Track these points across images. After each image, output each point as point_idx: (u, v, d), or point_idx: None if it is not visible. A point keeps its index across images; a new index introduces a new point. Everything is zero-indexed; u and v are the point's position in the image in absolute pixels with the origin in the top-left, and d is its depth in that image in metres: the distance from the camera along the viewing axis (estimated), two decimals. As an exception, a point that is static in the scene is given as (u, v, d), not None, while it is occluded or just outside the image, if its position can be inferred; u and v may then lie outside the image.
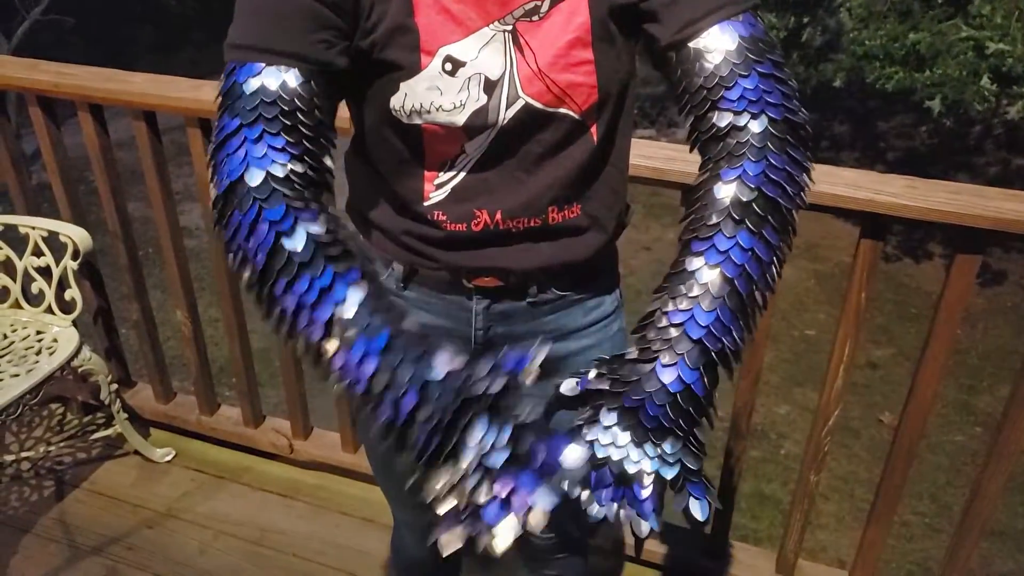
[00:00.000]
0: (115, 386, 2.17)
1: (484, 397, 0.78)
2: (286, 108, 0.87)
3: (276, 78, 0.87)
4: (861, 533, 1.82)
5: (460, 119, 0.93)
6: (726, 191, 0.86)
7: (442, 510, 0.79)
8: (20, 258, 2.09)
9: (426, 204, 1.01)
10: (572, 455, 0.80)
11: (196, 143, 1.89)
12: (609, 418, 0.83)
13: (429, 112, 0.92)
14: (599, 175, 1.04)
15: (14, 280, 2.11)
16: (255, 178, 0.85)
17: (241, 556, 2.01)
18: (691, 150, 0.94)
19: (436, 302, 1.10)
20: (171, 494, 2.19)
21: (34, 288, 2.10)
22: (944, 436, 5.50)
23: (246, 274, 0.85)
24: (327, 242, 0.84)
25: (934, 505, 4.97)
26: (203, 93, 1.82)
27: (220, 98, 0.89)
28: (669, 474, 0.81)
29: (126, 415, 2.22)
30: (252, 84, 0.87)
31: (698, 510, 0.82)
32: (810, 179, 0.89)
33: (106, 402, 2.15)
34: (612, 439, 0.83)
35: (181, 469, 2.27)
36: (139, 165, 2.00)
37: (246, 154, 0.85)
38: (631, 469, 0.82)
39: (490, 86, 0.92)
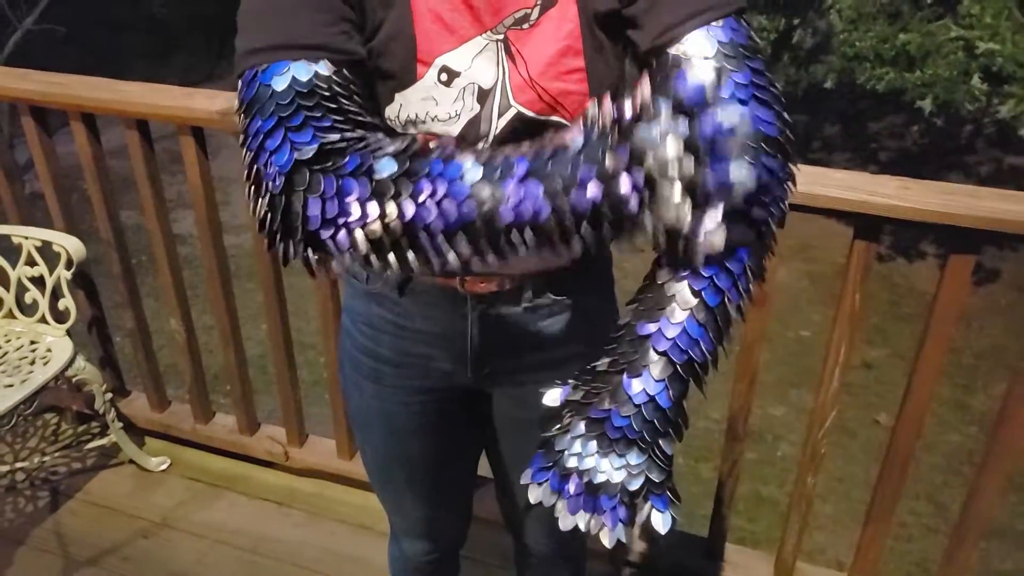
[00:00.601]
0: (109, 395, 2.16)
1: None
2: (327, 94, 0.81)
3: (306, 70, 0.81)
4: (859, 534, 1.82)
5: (455, 129, 0.92)
6: None
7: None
8: (13, 268, 2.08)
9: None
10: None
11: (189, 151, 1.89)
12: (578, 428, 0.84)
13: (424, 122, 0.92)
14: None
15: (7, 290, 2.11)
16: (310, 153, 0.78)
17: (237, 565, 2.01)
18: None
19: (431, 309, 1.10)
20: (166, 503, 2.18)
21: (28, 298, 2.10)
22: (940, 436, 5.51)
23: (365, 239, 0.77)
24: (405, 147, 0.79)
25: (931, 505, 4.97)
26: (195, 101, 1.81)
27: (243, 107, 0.82)
28: (633, 485, 0.82)
29: (121, 424, 2.21)
30: (281, 81, 0.81)
31: (660, 523, 0.82)
32: (789, 187, 0.87)
33: (100, 411, 2.14)
34: (581, 450, 0.83)
35: (176, 478, 2.26)
36: (131, 173, 1.99)
37: (291, 144, 0.79)
38: (598, 480, 0.82)
39: (483, 95, 0.91)
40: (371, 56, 0.90)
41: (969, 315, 6.71)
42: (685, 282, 0.83)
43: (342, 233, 0.78)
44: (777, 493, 4.99)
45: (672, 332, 0.83)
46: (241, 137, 0.83)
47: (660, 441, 0.83)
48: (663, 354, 0.83)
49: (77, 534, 2.09)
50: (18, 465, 2.27)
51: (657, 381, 0.83)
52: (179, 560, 2.02)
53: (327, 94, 0.82)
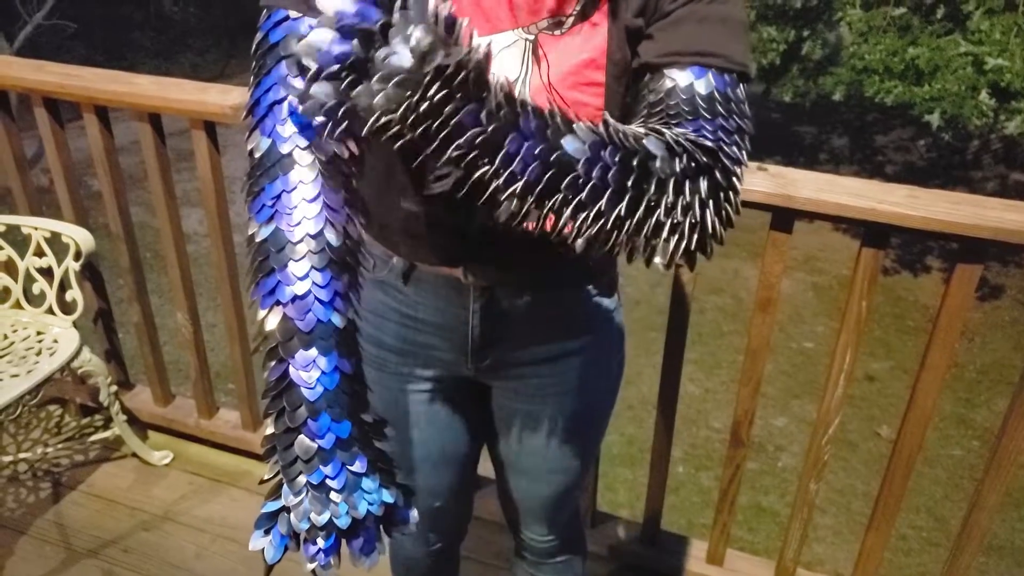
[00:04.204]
0: (114, 388, 2.16)
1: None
2: None
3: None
4: (858, 546, 1.82)
5: None
6: (650, 144, 0.78)
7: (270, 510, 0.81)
8: (22, 258, 2.09)
9: (426, 194, 1.01)
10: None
11: (201, 145, 1.89)
12: None
13: None
14: None
15: (15, 280, 2.11)
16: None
17: (238, 560, 2.01)
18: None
19: (435, 299, 1.11)
20: (168, 497, 2.18)
21: (35, 288, 2.10)
22: (941, 450, 5.50)
23: (251, 231, 0.83)
24: (339, 246, 0.83)
25: (931, 519, 4.97)
26: (208, 96, 1.82)
27: (267, 44, 0.84)
28: None
29: (124, 417, 2.21)
30: None
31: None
32: (716, 230, 0.82)
33: (105, 404, 2.15)
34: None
35: (179, 472, 2.27)
36: (138, 170, 2.01)
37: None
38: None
39: None
40: None
41: (972, 330, 6.72)
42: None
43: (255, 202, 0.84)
44: (777, 504, 4.99)
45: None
46: (255, 71, 0.85)
47: None
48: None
49: (79, 525, 2.09)
50: (21, 456, 2.28)
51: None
52: (180, 553, 2.03)
53: None
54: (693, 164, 0.80)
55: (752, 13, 7.28)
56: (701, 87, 0.86)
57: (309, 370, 0.80)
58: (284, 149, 0.83)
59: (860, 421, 5.68)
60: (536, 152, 0.72)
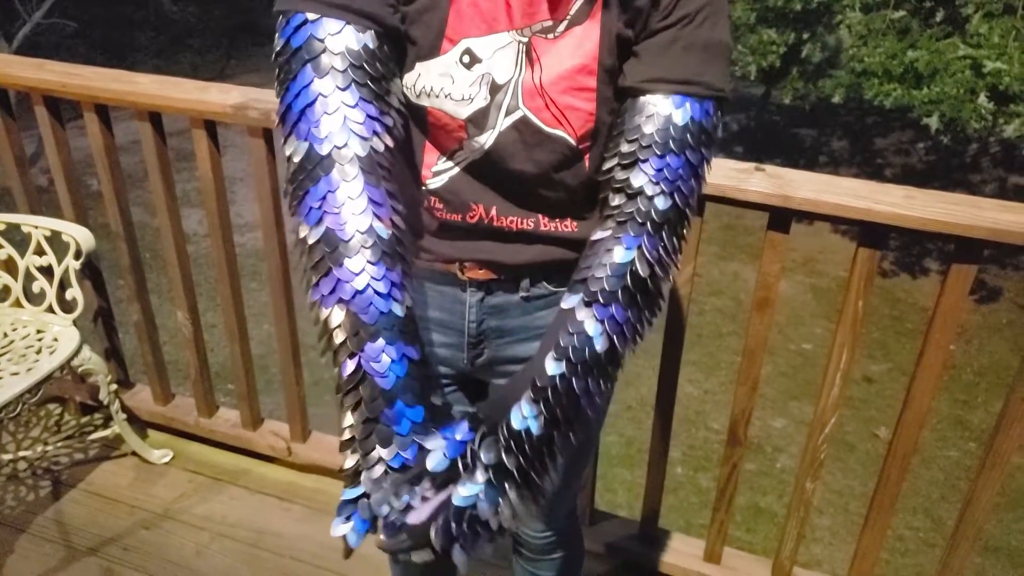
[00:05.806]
0: (114, 387, 2.17)
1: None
2: (374, 74, 0.88)
3: (357, 39, 0.87)
4: (855, 545, 1.82)
5: (464, 112, 0.95)
6: (626, 257, 0.90)
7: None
8: (22, 257, 2.09)
9: (423, 189, 1.03)
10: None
11: (201, 145, 1.90)
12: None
13: (438, 97, 0.95)
14: (594, 199, 1.05)
15: (15, 279, 2.12)
16: (360, 148, 0.87)
17: (238, 558, 2.01)
18: (599, 186, 0.98)
19: (432, 293, 1.12)
20: (168, 495, 2.19)
21: (35, 287, 2.11)
22: (938, 451, 5.52)
23: (302, 235, 0.87)
24: (389, 246, 0.88)
25: (928, 520, 4.98)
26: (209, 95, 1.83)
27: (290, 50, 0.87)
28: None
29: (124, 416, 2.22)
30: (336, 43, 0.86)
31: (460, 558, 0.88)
32: (678, 266, 0.97)
33: (105, 402, 2.15)
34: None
35: (178, 471, 2.27)
36: (138, 169, 2.02)
37: (344, 119, 0.86)
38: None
39: (495, 89, 0.94)
40: (404, 20, 0.93)
41: (970, 332, 6.73)
42: (611, 338, 0.91)
43: (308, 220, 0.90)
44: (775, 505, 5.00)
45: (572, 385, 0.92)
46: (281, 77, 0.88)
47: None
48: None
49: (78, 523, 2.10)
50: (21, 454, 2.28)
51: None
52: (179, 552, 2.03)
53: (374, 74, 0.88)
54: (661, 236, 0.91)
55: (752, 16, 7.30)
56: (678, 117, 0.90)
57: (380, 360, 0.84)
58: (323, 150, 0.85)
59: (858, 423, 5.70)
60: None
